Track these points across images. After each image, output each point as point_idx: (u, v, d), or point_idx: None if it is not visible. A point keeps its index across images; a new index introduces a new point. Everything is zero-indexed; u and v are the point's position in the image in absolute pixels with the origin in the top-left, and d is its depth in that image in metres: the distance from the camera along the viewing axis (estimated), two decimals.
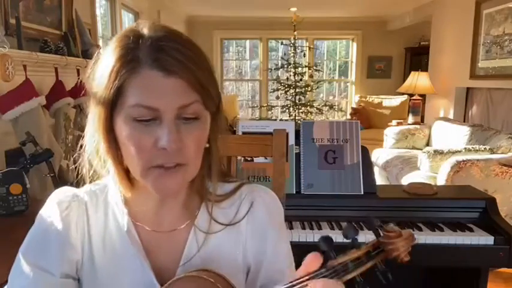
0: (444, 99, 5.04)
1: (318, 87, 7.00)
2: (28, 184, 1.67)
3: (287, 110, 6.54)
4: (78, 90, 2.58)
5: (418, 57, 6.63)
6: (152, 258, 0.72)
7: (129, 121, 0.62)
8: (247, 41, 8.06)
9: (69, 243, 0.70)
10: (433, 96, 5.29)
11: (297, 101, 6.47)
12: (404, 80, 5.67)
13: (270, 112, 6.87)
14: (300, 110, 6.50)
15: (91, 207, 0.73)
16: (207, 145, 0.69)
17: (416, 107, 5.13)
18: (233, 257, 0.75)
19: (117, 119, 0.64)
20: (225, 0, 5.93)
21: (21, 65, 2.15)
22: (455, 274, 1.83)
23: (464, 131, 3.75)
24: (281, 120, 6.77)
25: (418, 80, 5.06)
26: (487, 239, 1.58)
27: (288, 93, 6.49)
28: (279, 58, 7.48)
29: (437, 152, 3.32)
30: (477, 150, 3.15)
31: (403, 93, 5.76)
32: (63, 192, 0.74)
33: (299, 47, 6.56)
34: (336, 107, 6.96)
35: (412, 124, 4.91)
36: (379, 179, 4.21)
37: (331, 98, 8.06)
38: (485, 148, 3.17)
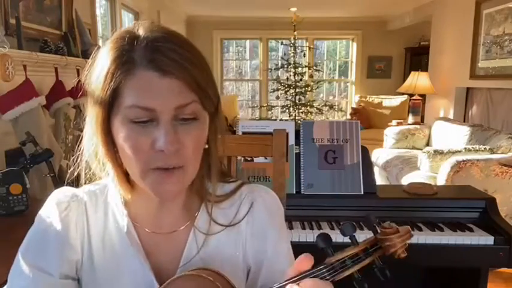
0: (444, 99, 5.04)
1: (318, 87, 7.00)
2: (28, 184, 1.67)
3: (287, 110, 6.53)
4: (78, 90, 2.58)
5: (418, 57, 6.63)
6: (152, 259, 0.71)
7: (126, 123, 0.62)
8: (247, 41, 8.06)
9: (68, 243, 0.70)
10: (433, 96, 5.29)
11: (297, 101, 6.46)
12: (404, 80, 5.67)
13: (270, 112, 6.86)
14: (300, 110, 6.50)
15: (90, 207, 0.73)
16: (206, 146, 0.69)
17: (416, 107, 5.13)
18: (233, 258, 0.75)
19: (114, 121, 0.63)
20: (225, 0, 5.93)
21: (21, 65, 2.14)
22: (455, 274, 1.83)
23: (464, 131, 3.75)
24: (281, 120, 6.77)
25: (418, 80, 5.06)
26: (487, 239, 1.58)
27: (288, 93, 6.48)
28: (279, 58, 7.48)
29: (437, 152, 3.32)
30: (477, 150, 3.15)
31: (403, 93, 5.76)
32: (63, 193, 0.74)
33: (299, 47, 6.56)
34: (336, 107, 6.95)
35: (412, 124, 4.91)
36: (379, 179, 4.21)
37: (331, 98, 8.06)
38: (485, 148, 3.17)
